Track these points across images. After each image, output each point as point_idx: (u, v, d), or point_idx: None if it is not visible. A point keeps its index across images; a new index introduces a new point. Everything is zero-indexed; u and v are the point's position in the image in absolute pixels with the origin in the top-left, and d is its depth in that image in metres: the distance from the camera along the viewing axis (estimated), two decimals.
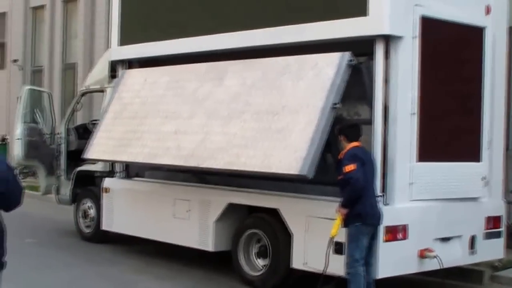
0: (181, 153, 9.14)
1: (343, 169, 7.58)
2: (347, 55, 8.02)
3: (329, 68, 8.06)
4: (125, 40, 11.36)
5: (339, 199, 7.80)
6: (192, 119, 9.32)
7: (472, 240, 8.98)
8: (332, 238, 7.74)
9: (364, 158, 7.74)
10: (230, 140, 8.60)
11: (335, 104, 7.85)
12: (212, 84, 9.40)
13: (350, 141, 7.87)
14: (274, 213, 8.94)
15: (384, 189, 8.06)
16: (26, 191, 18.34)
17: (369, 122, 8.16)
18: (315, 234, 8.34)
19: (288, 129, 8.05)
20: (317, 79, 8.12)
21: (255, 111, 8.56)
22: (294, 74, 8.44)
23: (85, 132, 13.01)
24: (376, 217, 7.74)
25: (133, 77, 10.91)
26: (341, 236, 7.83)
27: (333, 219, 7.80)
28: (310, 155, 7.64)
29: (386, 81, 8.04)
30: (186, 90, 9.72)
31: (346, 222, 7.70)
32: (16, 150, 12.69)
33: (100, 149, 10.53)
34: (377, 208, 7.78)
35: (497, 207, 9.43)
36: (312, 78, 8.20)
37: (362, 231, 7.65)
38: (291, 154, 7.82)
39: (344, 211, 7.65)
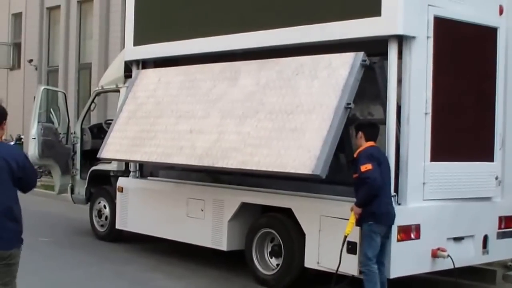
0: (195, 153, 9.18)
1: (359, 168, 7.61)
2: (360, 55, 8.04)
3: (342, 68, 8.09)
4: (139, 40, 11.41)
5: (352, 199, 7.84)
6: (206, 118, 9.36)
7: (485, 239, 8.98)
8: (346, 236, 7.78)
9: (380, 158, 7.77)
10: (244, 140, 8.63)
11: (349, 104, 7.87)
12: (227, 83, 9.44)
13: (368, 139, 7.89)
14: (287, 213, 8.97)
15: (397, 188, 8.06)
16: (41, 190, 18.59)
17: (383, 122, 8.17)
18: (328, 233, 8.36)
19: (302, 128, 8.07)
20: (331, 79, 8.14)
21: (269, 110, 8.59)
22: (308, 74, 8.46)
23: (99, 132, 13.08)
24: (390, 217, 7.77)
25: (147, 77, 10.97)
26: (354, 236, 7.88)
27: (346, 219, 7.83)
28: (323, 155, 7.66)
29: (400, 81, 8.05)
30: (201, 90, 9.76)
31: (360, 221, 7.73)
32: (32, 150, 12.73)
33: (114, 149, 10.59)
34: (392, 208, 7.81)
35: (510, 207, 9.38)
36: (326, 78, 8.22)
37: (375, 230, 7.68)
38: (304, 153, 7.85)
39: (359, 210, 7.68)
